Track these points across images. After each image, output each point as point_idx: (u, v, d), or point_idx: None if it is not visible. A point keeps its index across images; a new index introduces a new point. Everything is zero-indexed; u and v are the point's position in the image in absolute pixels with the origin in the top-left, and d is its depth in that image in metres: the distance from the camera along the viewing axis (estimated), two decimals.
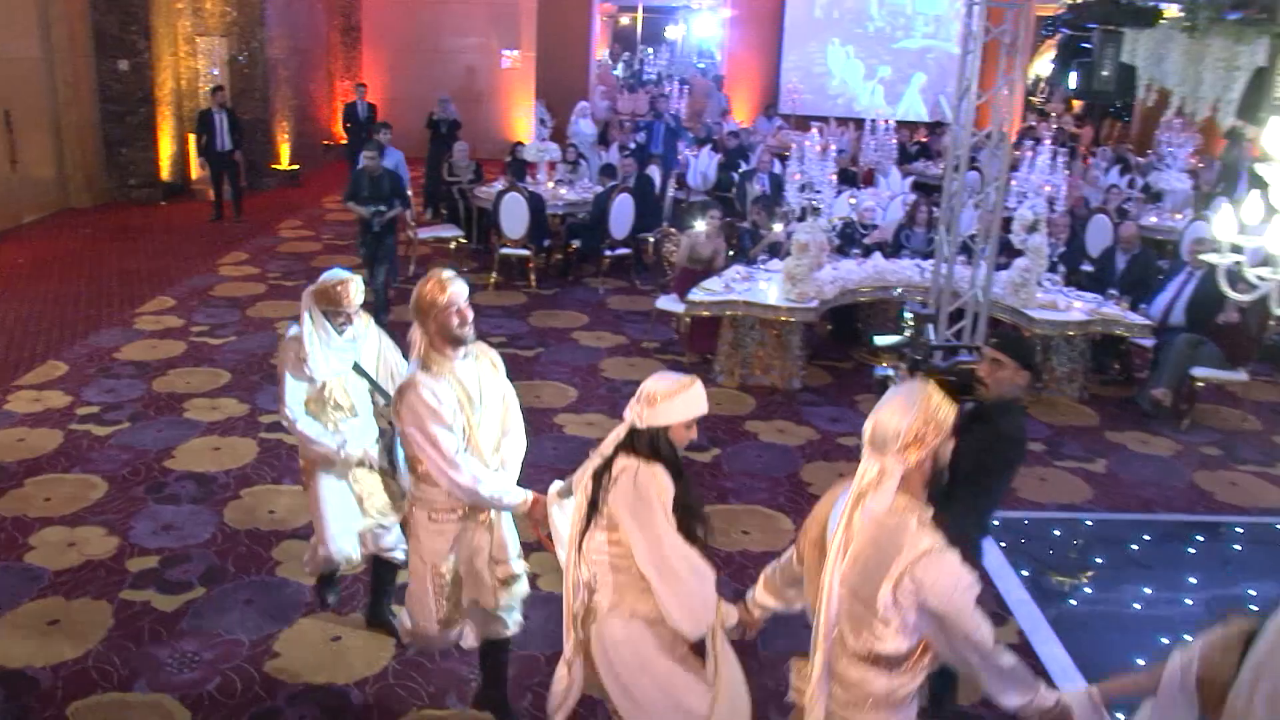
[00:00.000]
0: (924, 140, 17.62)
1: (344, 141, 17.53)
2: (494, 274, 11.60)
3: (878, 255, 9.79)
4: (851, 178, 12.45)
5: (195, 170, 16.04)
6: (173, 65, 15.92)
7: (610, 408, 8.22)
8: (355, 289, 4.85)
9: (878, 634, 3.01)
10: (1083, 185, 13.75)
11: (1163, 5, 6.33)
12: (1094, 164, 15.67)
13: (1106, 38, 5.87)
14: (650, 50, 30.58)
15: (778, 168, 12.97)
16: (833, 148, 10.65)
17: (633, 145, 14.93)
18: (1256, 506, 7.47)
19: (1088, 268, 10.61)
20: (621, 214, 11.78)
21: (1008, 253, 9.70)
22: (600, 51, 23.72)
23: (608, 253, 11.97)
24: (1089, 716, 3.15)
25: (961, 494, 4.23)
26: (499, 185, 12.00)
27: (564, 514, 4.00)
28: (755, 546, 6.36)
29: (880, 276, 9.34)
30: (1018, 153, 11.94)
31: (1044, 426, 8.54)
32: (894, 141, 14.65)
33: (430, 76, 18.81)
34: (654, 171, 13.27)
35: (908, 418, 2.94)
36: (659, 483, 3.41)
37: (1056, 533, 6.89)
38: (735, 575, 5.93)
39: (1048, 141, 11.62)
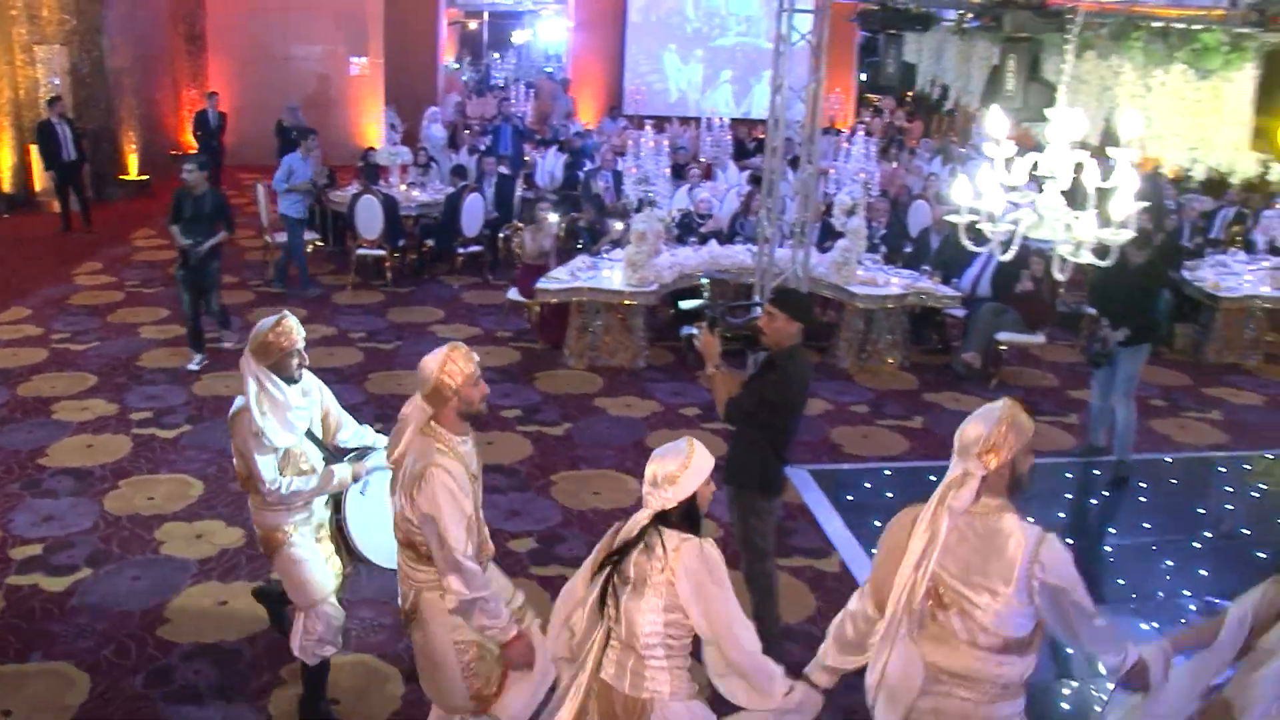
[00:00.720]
0: (762, 137, 18.55)
1: (194, 150, 17.57)
2: (351, 274, 11.99)
3: (713, 243, 10.59)
4: (680, 171, 13.18)
5: (40, 182, 15.90)
6: (9, 75, 15.72)
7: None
8: (294, 325, 4.53)
9: (1007, 624, 3.28)
10: (906, 174, 14.80)
11: (942, 11, 7.19)
12: (919, 155, 16.81)
13: (889, 40, 6.69)
14: (497, 55, 31.00)
15: (621, 166, 13.67)
16: (665, 144, 11.38)
17: (482, 147, 15.43)
18: (1052, 449, 8.46)
19: (909, 249, 11.58)
20: (472, 213, 12.32)
21: (833, 236, 10.59)
22: (448, 57, 24.07)
23: (461, 250, 12.51)
24: (1162, 668, 3.50)
25: (761, 431, 4.99)
26: (353, 189, 12.40)
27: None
28: (604, 505, 7.05)
29: (715, 261, 10.12)
30: (844, 144, 12.89)
31: (868, 391, 9.45)
32: (729, 138, 15.51)
33: (279, 84, 18.90)
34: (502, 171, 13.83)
35: (989, 426, 3.30)
36: (721, 557, 3.38)
37: (868, 484, 7.72)
38: (586, 529, 6.58)
39: (861, 133, 12.58)
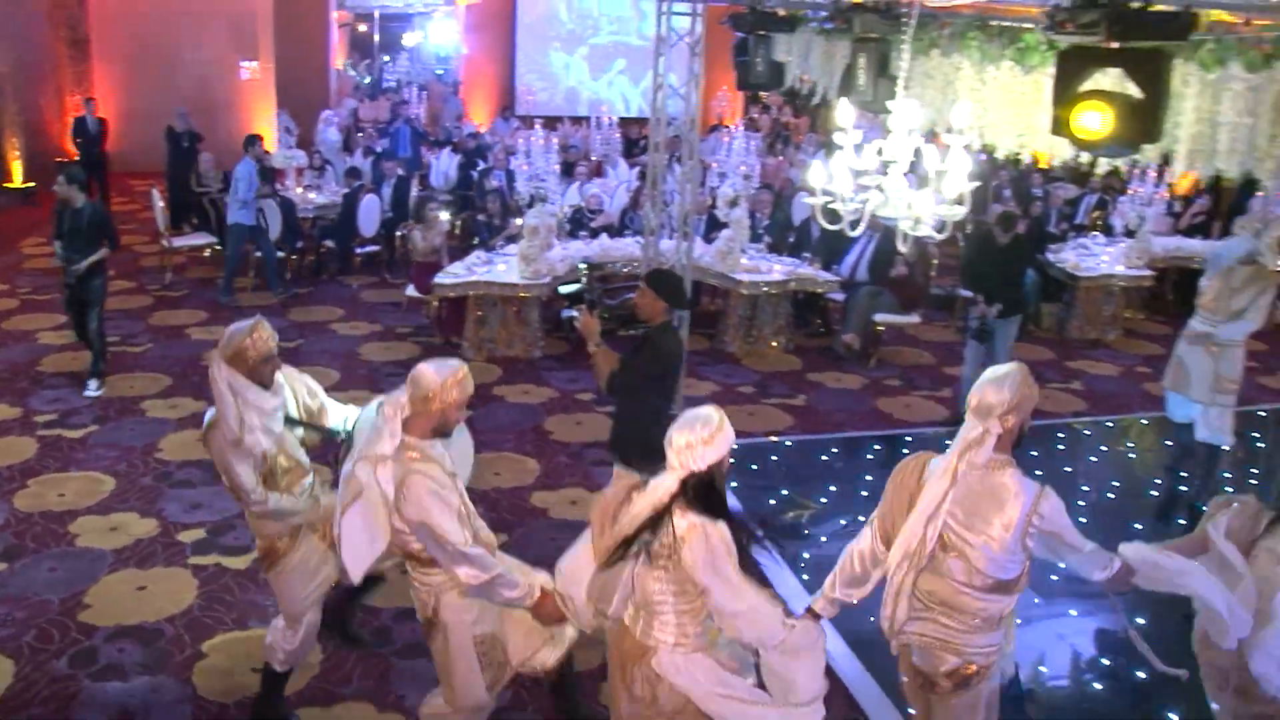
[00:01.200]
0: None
1: (77, 158, 17.39)
2: (251, 276, 12.14)
3: (604, 236, 11.03)
4: (571, 169, 13.57)
5: None
6: None
7: (370, 386, 9.06)
8: (269, 331, 4.51)
9: (999, 568, 3.70)
10: (790, 168, 15.40)
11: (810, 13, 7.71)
12: (804, 149, 17.44)
13: (758, 41, 7.18)
14: (387, 58, 31.01)
15: (514, 165, 14.02)
16: (556, 142, 11.79)
17: (378, 149, 15.64)
18: (926, 420, 9.08)
19: (792, 238, 12.14)
20: (369, 214, 12.58)
21: (718, 227, 11.11)
22: (339, 60, 24.10)
23: (359, 250, 12.76)
24: (1144, 563, 3.93)
25: (640, 403, 5.43)
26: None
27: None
28: (505, 484, 7.47)
29: (606, 254, 10.57)
30: (726, 139, 13.44)
31: (754, 373, 9.98)
32: (618, 136, 15.98)
33: (167, 89, 18.72)
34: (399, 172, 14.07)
35: (1011, 390, 3.67)
36: (727, 540, 3.53)
37: (754, 460, 8.23)
38: (490, 507, 6.95)
39: (742, 128, 13.13)
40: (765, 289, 10.35)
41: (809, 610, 4.02)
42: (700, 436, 3.51)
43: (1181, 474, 7.40)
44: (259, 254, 12.01)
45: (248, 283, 12.09)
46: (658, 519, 3.54)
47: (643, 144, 18.05)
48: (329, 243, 12.96)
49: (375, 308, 11.65)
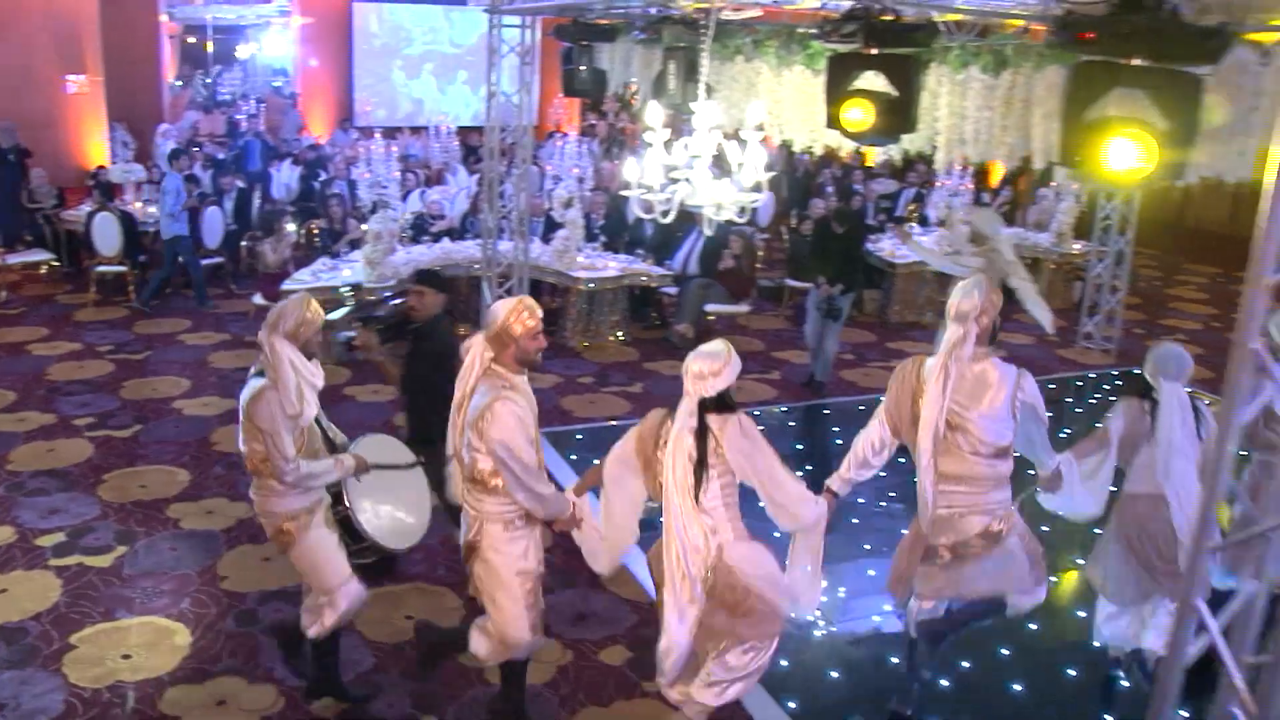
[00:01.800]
0: None
1: None
2: (92, 291, 12.13)
3: (446, 240, 11.43)
4: (415, 179, 13.92)
5: None
6: None
7: (222, 393, 9.27)
8: (314, 302, 4.77)
9: (998, 435, 4.60)
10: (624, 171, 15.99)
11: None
12: (639, 152, 18.07)
13: (582, 50, 7.72)
14: (219, 69, 30.51)
15: (355, 175, 14.25)
16: (395, 150, 12.14)
17: (220, 156, 15.62)
18: (755, 400, 9.77)
19: (627, 237, 12.73)
20: (212, 226, 12.67)
21: (556, 228, 11.62)
22: (170, 73, 23.71)
23: (203, 262, 12.81)
24: (1071, 474, 5.07)
25: (422, 399, 5.87)
26: (87, 207, 12.52)
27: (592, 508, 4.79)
28: None
29: (448, 256, 10.98)
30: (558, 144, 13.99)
31: (594, 365, 10.53)
32: (456, 144, 16.38)
33: None
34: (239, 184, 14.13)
35: (980, 296, 4.55)
36: (753, 426, 4.28)
37: (594, 441, 8.74)
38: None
39: (574, 134, 13.70)
40: (602, 285, 10.92)
41: (827, 489, 4.85)
42: (711, 368, 4.24)
43: None
44: (99, 269, 12.02)
45: (88, 297, 12.07)
46: (702, 434, 4.22)
47: (481, 151, 18.52)
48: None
49: (223, 318, 11.79)
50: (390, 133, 16.92)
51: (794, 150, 14.34)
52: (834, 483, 4.91)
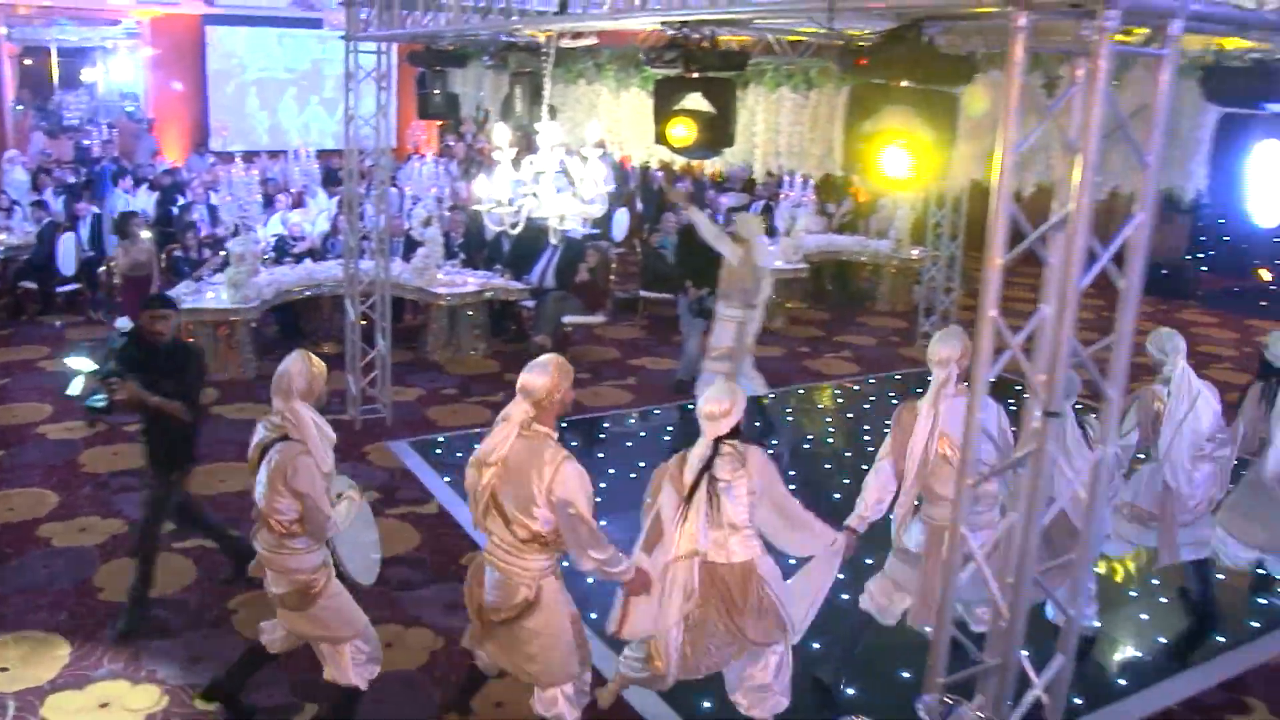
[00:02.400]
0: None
1: None
2: None
3: (308, 261, 11.68)
4: (272, 200, 14.05)
5: None
6: None
7: (86, 417, 9.33)
8: (313, 355, 4.91)
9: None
10: None
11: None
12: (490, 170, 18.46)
13: (435, 75, 8.12)
14: (64, 93, 29.74)
15: (215, 199, 14.32)
16: (255, 173, 12.33)
17: (71, 179, 15.47)
18: (613, 406, 10.28)
19: (486, 253, 13.12)
20: (67, 253, 12.63)
21: (416, 246, 11.97)
22: (10, 95, 23.11)
23: (59, 290, 12.77)
24: None
25: (174, 421, 5.96)
26: None
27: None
28: (232, 490, 8.07)
29: (310, 277, 11.26)
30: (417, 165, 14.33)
31: (457, 378, 10.91)
32: (316, 167, 16.57)
33: None
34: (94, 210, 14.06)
35: (960, 343, 5.04)
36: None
37: (459, 449, 9.13)
38: (220, 510, 7.51)
39: (431, 155, 14.07)
40: (461, 300, 11.32)
41: (847, 528, 5.22)
42: (721, 408, 4.64)
43: None
44: None
45: None
46: (710, 460, 4.64)
47: (341, 173, 18.66)
48: (28, 284, 12.86)
49: (81, 345, 11.75)
50: (249, 156, 16.97)
51: (648, 167, 14.96)
52: (853, 521, 5.30)
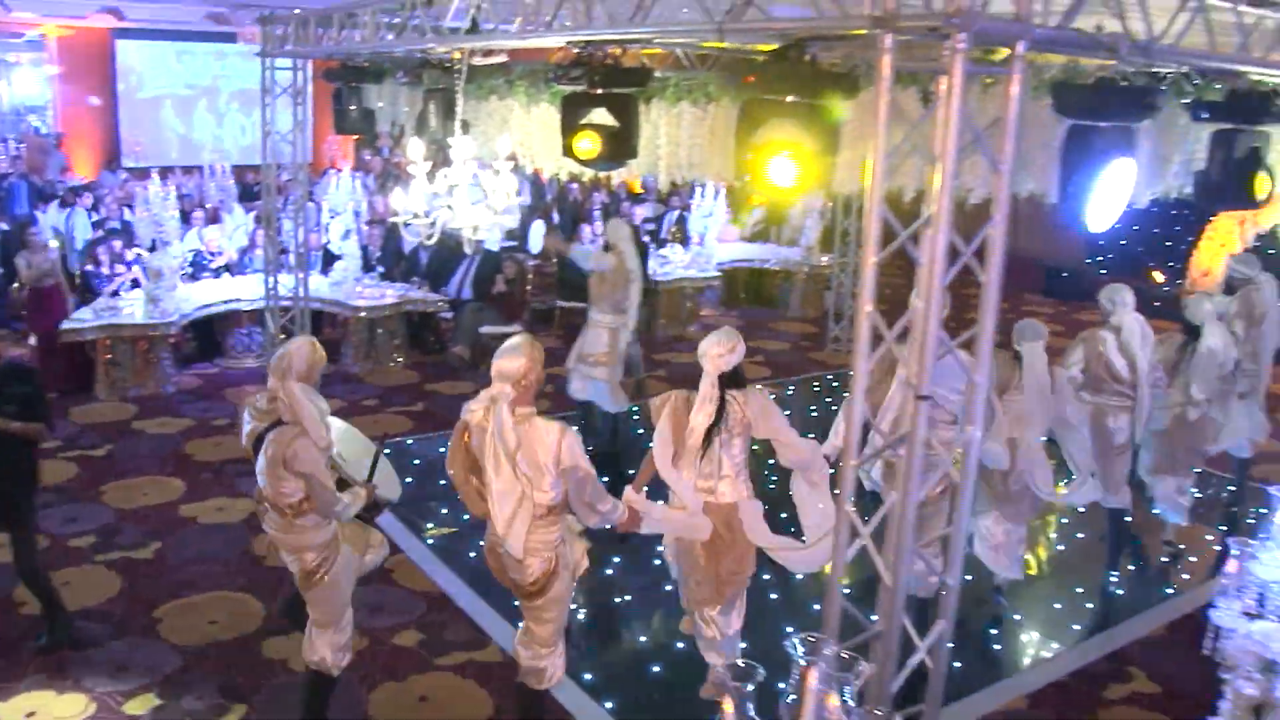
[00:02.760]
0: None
1: None
2: None
3: (227, 275, 11.74)
4: (187, 216, 14.02)
5: None
6: None
7: None
8: (318, 343, 4.98)
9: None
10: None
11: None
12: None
13: (350, 91, 8.31)
14: None
15: (129, 215, 14.22)
16: (171, 189, 12.36)
17: None
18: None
19: (404, 266, 13.27)
20: None
21: (335, 260, 12.10)
22: None
23: None
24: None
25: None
26: None
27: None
28: (153, 502, 8.15)
29: (228, 291, 11.31)
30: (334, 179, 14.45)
31: (377, 388, 11.06)
32: (231, 183, 16.56)
33: None
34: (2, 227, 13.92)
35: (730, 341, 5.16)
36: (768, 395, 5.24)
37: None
38: (139, 523, 7.62)
39: (348, 170, 14.21)
40: (380, 313, 11.48)
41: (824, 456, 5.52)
42: (726, 347, 5.05)
43: None
44: None
45: None
46: (721, 405, 5.00)
47: (256, 188, 18.61)
48: None
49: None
50: (163, 172, 16.87)
51: (559, 179, 15.21)
52: (827, 447, 5.68)
